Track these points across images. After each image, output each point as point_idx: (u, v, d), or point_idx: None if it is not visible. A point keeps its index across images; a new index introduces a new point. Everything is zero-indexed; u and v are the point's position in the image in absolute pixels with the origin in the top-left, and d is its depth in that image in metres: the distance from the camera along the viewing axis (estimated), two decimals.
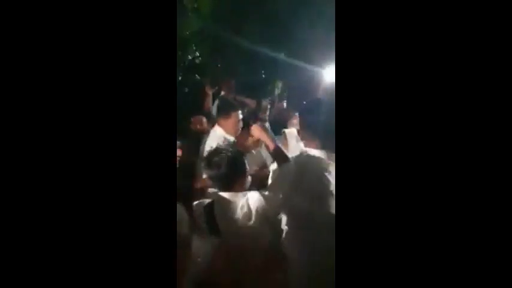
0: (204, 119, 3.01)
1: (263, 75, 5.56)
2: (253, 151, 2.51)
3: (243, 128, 2.50)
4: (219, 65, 5.78)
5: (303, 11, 4.91)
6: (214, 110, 3.91)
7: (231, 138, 2.44)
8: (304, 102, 2.31)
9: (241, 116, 2.54)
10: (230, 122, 2.47)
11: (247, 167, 1.63)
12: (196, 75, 5.97)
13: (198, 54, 6.31)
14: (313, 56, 4.56)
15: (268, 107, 3.89)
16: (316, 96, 3.09)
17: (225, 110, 2.56)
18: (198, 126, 2.95)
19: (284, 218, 1.64)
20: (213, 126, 2.69)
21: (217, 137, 2.40)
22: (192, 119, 3.05)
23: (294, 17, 5.00)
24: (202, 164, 1.62)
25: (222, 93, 4.10)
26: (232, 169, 1.54)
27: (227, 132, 2.46)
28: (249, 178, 1.66)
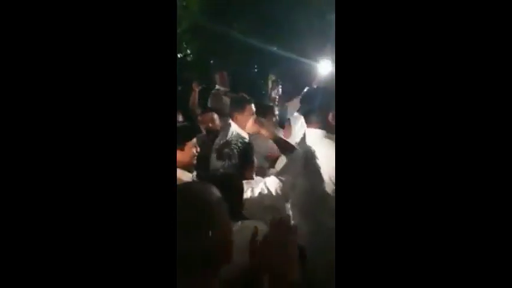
0: (215, 116, 2.98)
1: (256, 69, 5.59)
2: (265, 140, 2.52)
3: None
4: (211, 61, 5.78)
5: (295, 5, 4.93)
6: (210, 104, 3.91)
7: (245, 133, 2.44)
8: (307, 88, 2.37)
9: (254, 109, 2.54)
10: (244, 116, 2.48)
11: (255, 158, 1.71)
12: (188, 73, 5.97)
13: (189, 52, 6.31)
14: (306, 49, 4.60)
15: (277, 97, 3.88)
16: (311, 86, 3.11)
17: (239, 104, 2.57)
18: (210, 124, 2.91)
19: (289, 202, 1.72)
20: (225, 122, 2.71)
21: (231, 132, 2.40)
22: (201, 117, 3.01)
23: (286, 10, 5.03)
24: (214, 156, 1.67)
25: (217, 86, 4.08)
26: (241, 159, 1.62)
27: (241, 126, 2.45)
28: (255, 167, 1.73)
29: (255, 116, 1.97)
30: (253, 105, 2.55)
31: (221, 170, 1.61)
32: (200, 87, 3.91)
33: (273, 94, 3.96)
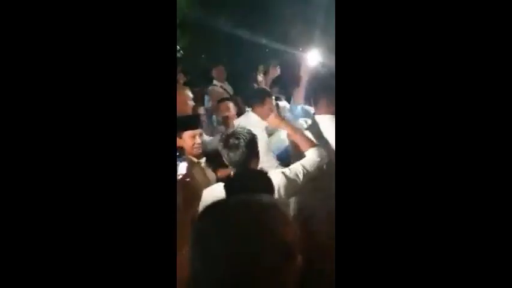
0: (231, 104, 3.00)
1: (247, 62, 5.56)
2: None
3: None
4: (203, 56, 5.75)
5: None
6: (205, 103, 3.92)
7: (263, 124, 2.48)
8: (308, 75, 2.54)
9: (275, 102, 2.62)
10: (264, 108, 2.55)
11: (259, 149, 1.74)
12: (180, 69, 5.94)
13: (179, 48, 6.27)
14: (296, 40, 4.59)
15: (264, 81, 3.92)
16: (301, 79, 3.15)
17: (258, 96, 2.63)
18: (226, 113, 2.93)
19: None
20: (239, 111, 2.81)
21: (250, 122, 2.44)
22: (220, 106, 3.04)
23: (275, 1, 5.01)
24: (220, 146, 1.70)
25: (214, 82, 4.11)
26: (247, 151, 1.64)
27: (262, 118, 2.51)
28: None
29: (276, 111, 2.05)
30: (274, 97, 2.61)
31: (228, 160, 1.64)
32: (185, 80, 3.91)
33: (259, 78, 3.97)
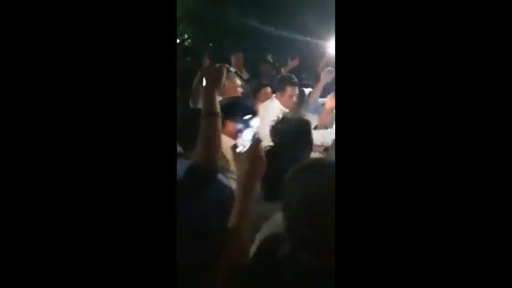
0: (269, 90, 3.00)
1: (255, 51, 5.54)
2: None
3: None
4: (210, 44, 5.74)
5: None
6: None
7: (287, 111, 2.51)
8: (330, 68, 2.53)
9: (297, 92, 2.70)
10: (285, 96, 2.64)
11: (313, 136, 1.57)
12: (188, 58, 5.92)
13: (187, 37, 6.27)
14: (304, 28, 4.56)
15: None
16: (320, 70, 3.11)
17: (282, 84, 2.71)
18: (269, 97, 2.95)
19: None
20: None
21: (272, 108, 2.50)
22: (262, 91, 3.03)
23: None
24: (268, 133, 1.55)
25: (231, 69, 4.11)
26: (297, 137, 1.47)
27: (284, 105, 2.61)
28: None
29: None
30: (296, 88, 2.69)
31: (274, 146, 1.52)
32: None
33: (283, 72, 3.95)
